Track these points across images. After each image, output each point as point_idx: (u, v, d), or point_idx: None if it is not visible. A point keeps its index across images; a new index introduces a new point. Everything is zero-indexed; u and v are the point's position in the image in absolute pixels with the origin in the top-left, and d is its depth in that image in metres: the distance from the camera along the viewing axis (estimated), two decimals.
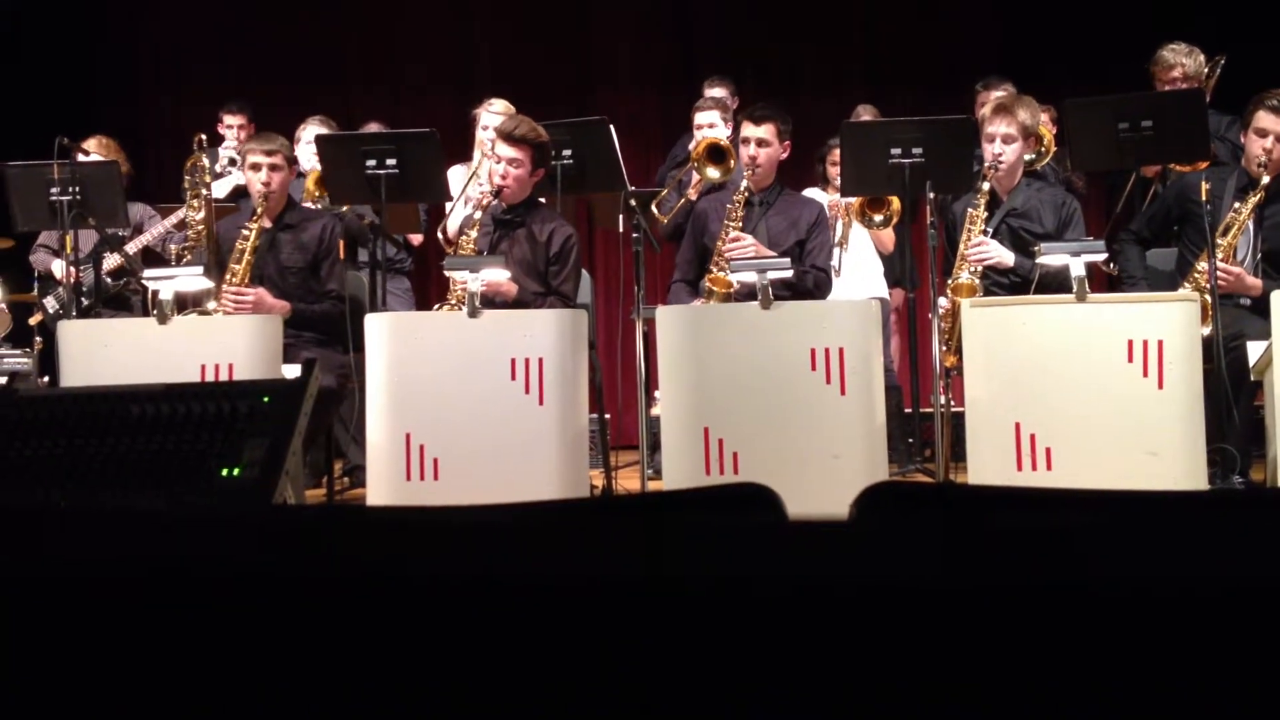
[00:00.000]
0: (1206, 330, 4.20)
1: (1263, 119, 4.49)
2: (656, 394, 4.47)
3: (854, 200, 5.58)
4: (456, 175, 5.92)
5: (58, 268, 5.76)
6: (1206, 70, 5.51)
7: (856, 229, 5.79)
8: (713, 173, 5.54)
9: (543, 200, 5.04)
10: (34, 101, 7.10)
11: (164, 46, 8.34)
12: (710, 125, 5.92)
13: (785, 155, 5.05)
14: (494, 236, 4.80)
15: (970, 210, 4.67)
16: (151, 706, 0.73)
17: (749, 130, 4.98)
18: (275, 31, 8.22)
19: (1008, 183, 4.75)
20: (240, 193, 6.02)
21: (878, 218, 5.55)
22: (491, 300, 4.54)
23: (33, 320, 6.01)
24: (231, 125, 6.65)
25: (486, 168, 5.63)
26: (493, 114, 5.80)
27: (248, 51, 8.19)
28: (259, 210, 4.91)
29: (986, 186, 4.65)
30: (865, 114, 6.19)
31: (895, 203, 5.41)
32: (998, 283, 4.63)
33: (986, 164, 4.68)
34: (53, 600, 0.75)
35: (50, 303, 5.89)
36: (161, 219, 5.94)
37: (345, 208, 5.46)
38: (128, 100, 8.16)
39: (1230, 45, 5.72)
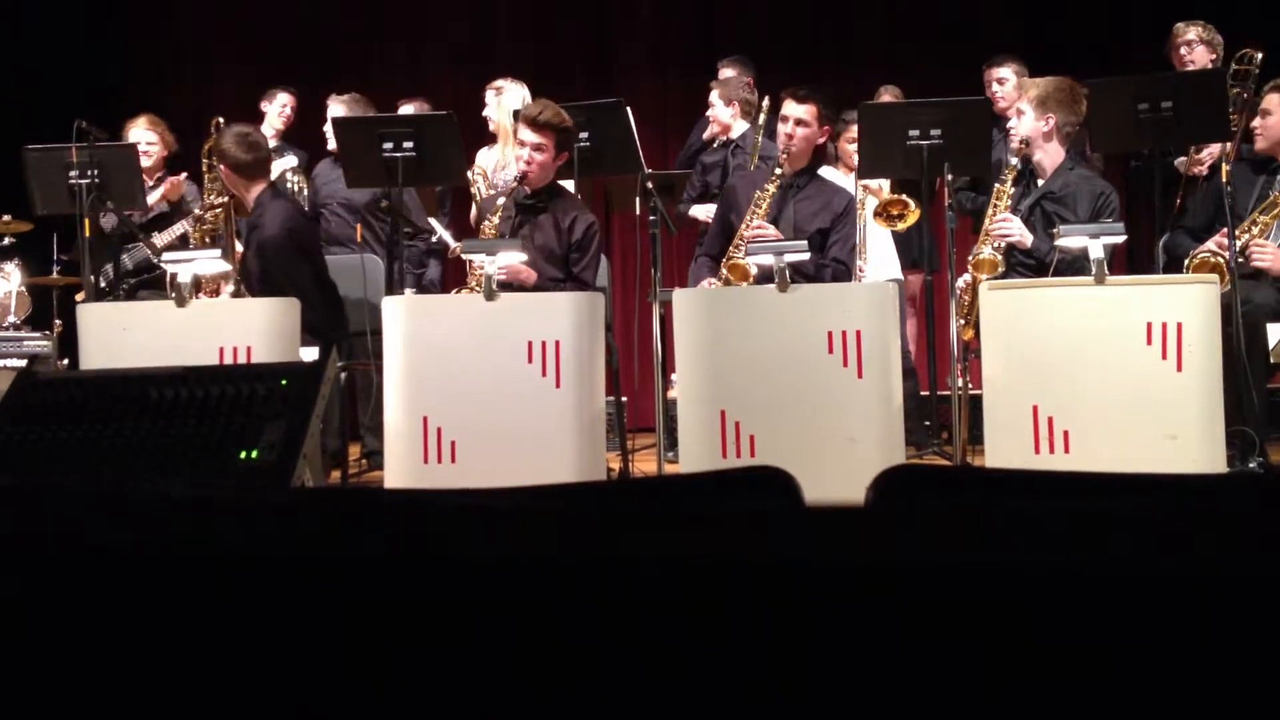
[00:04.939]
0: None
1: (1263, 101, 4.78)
2: (673, 377, 4.47)
3: (873, 182, 5.59)
4: (485, 158, 6.03)
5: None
6: (1233, 64, 5.51)
7: (870, 210, 5.78)
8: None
9: (565, 184, 5.03)
10: (63, 86, 7.12)
11: (191, 28, 8.36)
12: (710, 105, 6.07)
13: (823, 140, 5.01)
14: (515, 221, 4.79)
15: (997, 185, 4.66)
16: (161, 689, 0.73)
17: (789, 109, 4.90)
18: (299, 14, 8.23)
19: (1046, 163, 4.70)
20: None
21: (896, 218, 5.59)
22: (510, 286, 4.54)
23: (79, 297, 6.00)
24: (286, 104, 6.71)
25: (510, 155, 5.72)
26: (494, 89, 6.00)
27: (271, 35, 8.21)
28: None
29: (1015, 161, 4.65)
30: (888, 96, 6.17)
31: (915, 212, 5.44)
32: (1023, 263, 4.60)
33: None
34: (68, 580, 0.76)
35: (108, 271, 5.85)
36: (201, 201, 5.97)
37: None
38: (157, 82, 8.18)
39: (1261, 26, 5.69)
